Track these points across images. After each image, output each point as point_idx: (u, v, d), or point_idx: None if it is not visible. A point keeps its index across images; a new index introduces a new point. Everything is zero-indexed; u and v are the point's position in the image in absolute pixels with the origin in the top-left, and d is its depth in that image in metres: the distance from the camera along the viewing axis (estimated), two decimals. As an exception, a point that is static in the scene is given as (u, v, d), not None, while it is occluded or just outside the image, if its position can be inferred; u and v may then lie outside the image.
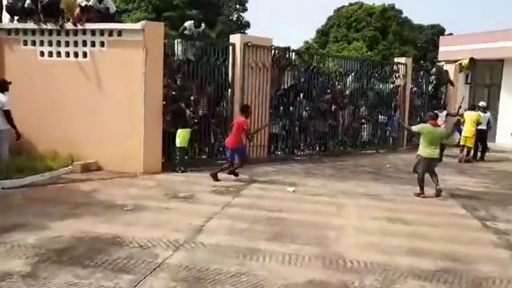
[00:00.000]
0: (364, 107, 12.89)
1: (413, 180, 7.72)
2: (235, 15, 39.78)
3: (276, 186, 7.59)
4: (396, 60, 14.24)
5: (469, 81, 16.42)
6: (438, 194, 7.17)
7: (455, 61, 15.99)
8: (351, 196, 7.09)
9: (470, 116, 11.71)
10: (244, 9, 39.89)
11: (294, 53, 10.94)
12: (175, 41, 9.46)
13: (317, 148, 11.91)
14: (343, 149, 12.35)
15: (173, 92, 8.85)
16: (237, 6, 39.53)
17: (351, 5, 41.69)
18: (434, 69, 15.34)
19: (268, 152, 10.64)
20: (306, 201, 6.59)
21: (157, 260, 4.10)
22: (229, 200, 6.46)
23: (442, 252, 4.61)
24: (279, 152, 11.14)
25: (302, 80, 10.90)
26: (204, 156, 9.72)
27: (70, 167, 8.05)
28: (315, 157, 11.41)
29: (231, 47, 9.56)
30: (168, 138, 8.62)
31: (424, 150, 7.28)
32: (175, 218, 5.48)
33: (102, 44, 8.20)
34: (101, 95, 8.25)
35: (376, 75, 12.93)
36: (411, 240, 4.97)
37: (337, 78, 12.13)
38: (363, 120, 12.88)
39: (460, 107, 12.41)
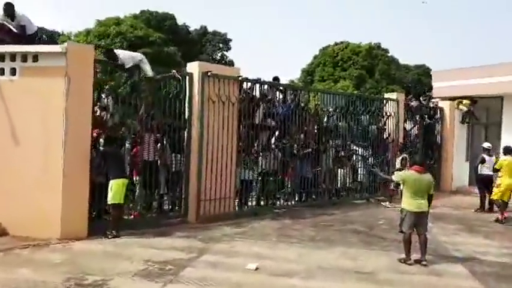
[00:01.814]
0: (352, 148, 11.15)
1: (416, 245, 5.85)
2: (219, 54, 38.97)
3: (234, 261, 5.56)
4: (387, 95, 12.67)
5: (467, 120, 14.81)
6: (421, 263, 5.71)
7: (451, 98, 14.53)
8: (335, 276, 5.10)
9: (510, 163, 8.97)
10: (228, 48, 39.23)
11: (267, 86, 9.15)
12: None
13: (297, 198, 9.95)
14: (328, 199, 10.43)
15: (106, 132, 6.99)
16: (221, 45, 38.81)
17: (336, 44, 41.35)
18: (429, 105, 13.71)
19: (239, 204, 8.72)
20: (270, 289, 4.59)
21: None
22: (157, 290, 4.42)
23: None
24: (252, 203, 9.19)
25: (276, 117, 9.14)
26: (152, 214, 7.73)
27: (-42, 232, 5.99)
28: (295, 209, 9.47)
29: (187, 78, 7.82)
30: (100, 191, 6.67)
31: (409, 202, 5.81)
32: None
33: (13, 71, 6.39)
34: (8, 136, 6.36)
35: (365, 112, 11.24)
36: None
37: (319, 116, 10.37)
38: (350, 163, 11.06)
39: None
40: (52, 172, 6.20)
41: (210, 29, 39.11)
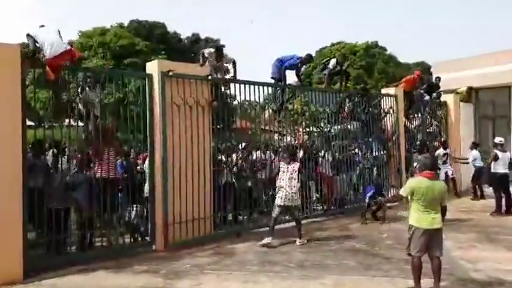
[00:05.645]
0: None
1: (427, 267, 4.67)
2: (213, 62, 37.89)
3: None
4: (384, 91, 11.47)
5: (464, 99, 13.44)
6: None
7: (453, 91, 13.37)
8: (322, 322, 3.91)
9: None
10: (221, 55, 38.10)
11: (239, 85, 7.81)
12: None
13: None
14: (321, 210, 9.22)
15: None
16: (214, 51, 37.74)
17: (333, 44, 40.26)
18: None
19: (221, 222, 7.56)
20: None
21: None
22: None
23: None
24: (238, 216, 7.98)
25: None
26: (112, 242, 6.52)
27: None
28: (287, 226, 8.22)
29: (147, 80, 6.70)
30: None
31: (419, 217, 4.60)
32: None
33: None
34: None
35: (359, 110, 10.05)
36: None
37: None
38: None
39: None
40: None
41: (202, 36, 38.09)
